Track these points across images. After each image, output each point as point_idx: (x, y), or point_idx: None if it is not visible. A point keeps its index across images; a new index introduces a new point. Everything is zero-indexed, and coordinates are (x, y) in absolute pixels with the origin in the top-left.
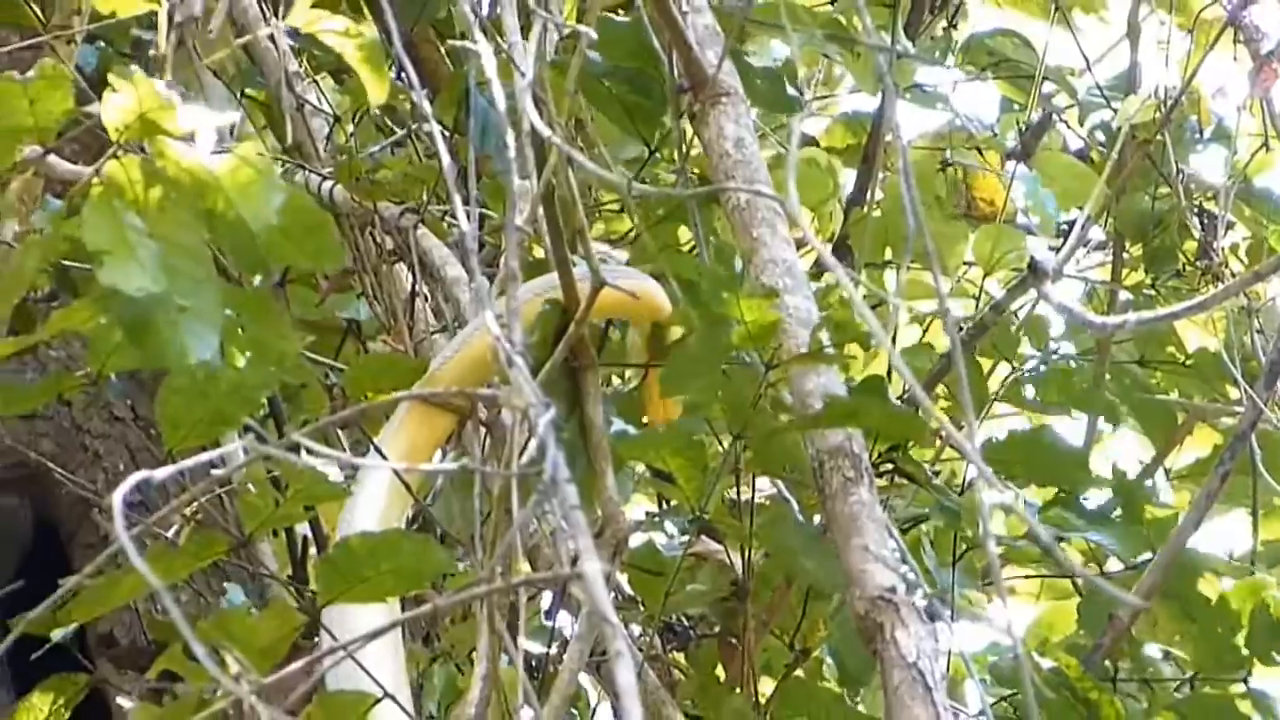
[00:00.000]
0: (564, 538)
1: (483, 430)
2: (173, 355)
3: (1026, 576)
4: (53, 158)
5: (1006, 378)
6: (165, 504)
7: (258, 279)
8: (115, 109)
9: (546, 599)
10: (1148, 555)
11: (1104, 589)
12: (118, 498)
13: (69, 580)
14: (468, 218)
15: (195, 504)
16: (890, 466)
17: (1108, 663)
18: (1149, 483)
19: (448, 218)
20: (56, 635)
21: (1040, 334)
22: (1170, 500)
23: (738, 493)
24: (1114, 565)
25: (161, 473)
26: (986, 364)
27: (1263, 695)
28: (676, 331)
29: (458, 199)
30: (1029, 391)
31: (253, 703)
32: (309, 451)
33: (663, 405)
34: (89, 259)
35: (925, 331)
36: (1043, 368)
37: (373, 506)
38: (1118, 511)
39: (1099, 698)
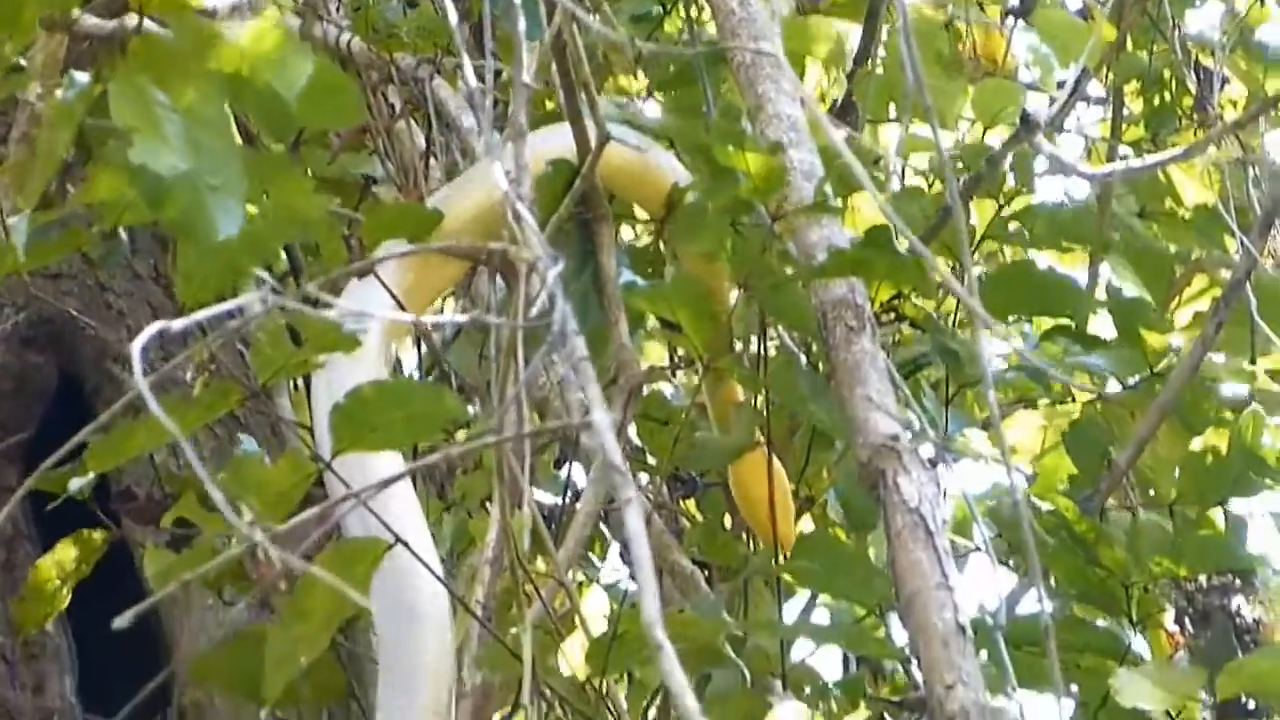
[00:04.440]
0: (572, 388)
1: (497, 279)
2: (202, 230)
3: (1024, 405)
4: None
5: (993, 216)
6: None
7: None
8: None
9: (556, 450)
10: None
11: None
12: (136, 347)
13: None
14: (480, 73)
15: (212, 356)
16: (893, 315)
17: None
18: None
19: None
20: (73, 487)
21: (1026, 175)
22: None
23: (745, 344)
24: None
25: (180, 323)
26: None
27: (1239, 519)
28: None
29: (465, 57)
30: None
31: (267, 548)
32: (317, 304)
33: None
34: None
35: (931, 186)
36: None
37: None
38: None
39: (1096, 540)
